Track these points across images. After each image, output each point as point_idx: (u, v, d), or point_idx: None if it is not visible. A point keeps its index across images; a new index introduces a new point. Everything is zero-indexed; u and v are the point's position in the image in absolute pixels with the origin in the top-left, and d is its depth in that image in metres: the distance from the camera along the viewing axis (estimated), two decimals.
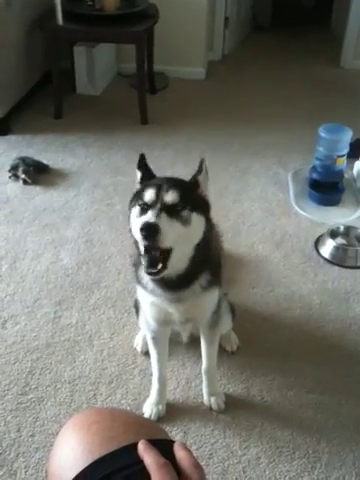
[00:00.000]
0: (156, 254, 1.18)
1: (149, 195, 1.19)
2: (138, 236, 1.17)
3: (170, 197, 1.18)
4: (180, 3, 3.76)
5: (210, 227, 1.31)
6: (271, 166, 2.96)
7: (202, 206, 1.27)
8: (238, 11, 4.61)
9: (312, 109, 3.56)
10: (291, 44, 4.89)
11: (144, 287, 1.39)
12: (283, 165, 2.96)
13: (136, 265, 1.41)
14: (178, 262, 1.25)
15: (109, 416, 0.81)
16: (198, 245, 1.26)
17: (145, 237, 1.14)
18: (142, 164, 1.31)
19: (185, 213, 1.19)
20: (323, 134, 2.51)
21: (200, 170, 1.28)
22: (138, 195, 1.25)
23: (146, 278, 1.37)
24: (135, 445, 0.71)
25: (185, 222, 1.19)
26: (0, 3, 2.89)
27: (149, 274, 1.21)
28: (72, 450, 0.74)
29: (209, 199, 1.31)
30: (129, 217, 1.28)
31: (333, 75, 4.24)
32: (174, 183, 1.23)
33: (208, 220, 1.28)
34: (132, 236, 1.30)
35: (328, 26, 5.29)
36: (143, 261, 1.20)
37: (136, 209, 1.22)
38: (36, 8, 3.25)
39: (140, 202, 1.21)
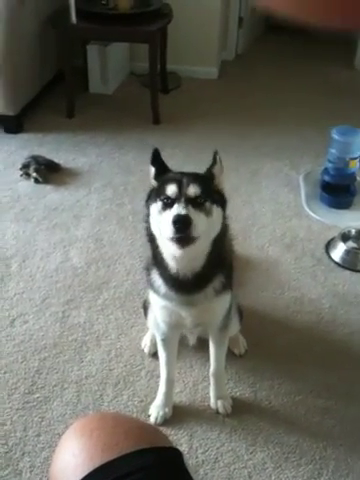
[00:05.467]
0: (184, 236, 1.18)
1: (171, 189, 1.22)
2: (166, 230, 1.18)
3: (192, 190, 1.21)
4: (194, 2, 3.75)
5: (225, 224, 1.33)
6: (282, 168, 2.94)
7: (220, 199, 1.30)
8: (252, 11, 4.58)
9: (325, 111, 3.53)
10: (305, 45, 4.85)
11: (156, 291, 1.38)
12: (295, 167, 2.94)
13: (148, 269, 1.40)
14: (198, 256, 1.26)
15: (112, 422, 0.80)
16: (214, 240, 1.28)
17: (178, 229, 1.16)
18: (156, 160, 1.32)
19: (207, 204, 1.23)
20: (336, 136, 2.49)
21: (214, 162, 1.31)
22: (158, 191, 1.26)
23: (158, 282, 1.36)
24: (137, 452, 0.71)
25: (208, 213, 1.23)
26: (14, 1, 2.90)
27: (178, 244, 1.19)
28: (73, 456, 0.74)
29: (225, 192, 1.34)
30: (147, 215, 1.29)
31: (347, 77, 4.19)
32: (194, 177, 1.26)
33: (224, 213, 1.31)
34: (147, 232, 1.30)
35: None
36: (171, 242, 1.20)
37: (158, 204, 1.23)
38: (50, 6, 3.25)
39: (162, 197, 1.22)
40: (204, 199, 1.23)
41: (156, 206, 1.24)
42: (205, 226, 1.22)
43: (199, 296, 1.35)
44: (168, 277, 1.32)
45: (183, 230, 1.16)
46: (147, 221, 1.30)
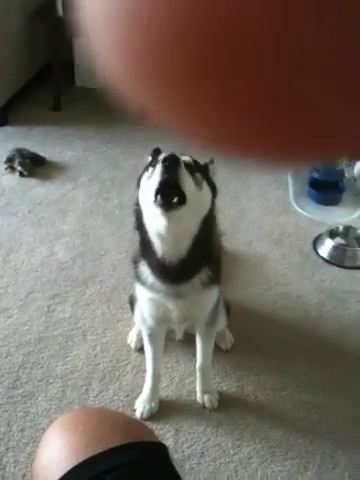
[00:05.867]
0: (172, 191, 1.15)
1: (164, 156, 1.20)
2: (153, 181, 1.15)
3: (185, 158, 1.21)
4: None
5: (214, 215, 1.32)
6: None
7: (211, 184, 1.29)
8: None
9: None
10: None
11: (144, 283, 1.36)
12: None
13: (135, 261, 1.39)
14: (183, 235, 1.24)
15: (97, 417, 0.79)
16: (202, 224, 1.25)
17: (166, 168, 1.11)
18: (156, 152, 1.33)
19: (198, 176, 1.22)
20: None
21: (212, 161, 1.32)
22: (150, 163, 1.26)
23: (146, 273, 1.34)
24: (122, 447, 0.69)
25: (198, 184, 1.21)
26: None
27: (162, 207, 1.13)
28: (57, 451, 0.72)
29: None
30: (136, 197, 1.27)
31: None
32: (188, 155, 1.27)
33: (214, 200, 1.30)
34: (136, 217, 1.29)
35: None
36: (157, 198, 1.14)
37: (148, 172, 1.22)
38: None
39: (153, 163, 1.21)
40: (196, 170, 1.22)
41: (147, 174, 1.22)
42: (194, 195, 1.18)
43: (186, 287, 1.33)
44: (155, 264, 1.30)
45: (171, 169, 1.12)
46: (137, 204, 1.28)
